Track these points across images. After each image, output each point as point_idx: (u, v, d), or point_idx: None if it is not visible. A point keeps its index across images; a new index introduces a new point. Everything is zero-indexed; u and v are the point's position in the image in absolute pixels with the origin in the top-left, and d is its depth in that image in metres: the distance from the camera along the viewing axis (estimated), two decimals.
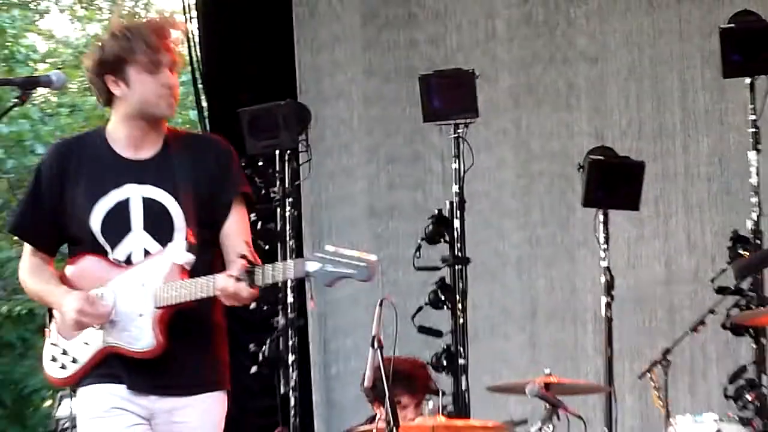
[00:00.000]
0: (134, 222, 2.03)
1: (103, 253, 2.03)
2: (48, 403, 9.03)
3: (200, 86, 6.48)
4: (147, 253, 2.00)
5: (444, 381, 4.41)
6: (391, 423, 2.89)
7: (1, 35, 10.72)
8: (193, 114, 8.79)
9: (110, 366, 2.00)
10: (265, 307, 5.03)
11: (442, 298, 4.59)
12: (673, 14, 5.28)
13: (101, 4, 13.35)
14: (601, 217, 4.53)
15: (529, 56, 5.59)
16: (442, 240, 4.65)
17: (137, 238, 2.01)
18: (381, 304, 2.93)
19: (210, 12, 6.10)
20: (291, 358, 5.01)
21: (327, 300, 5.69)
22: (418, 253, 4.64)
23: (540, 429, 3.41)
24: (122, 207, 2.03)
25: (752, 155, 4.29)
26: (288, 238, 5.12)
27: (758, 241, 4.23)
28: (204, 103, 6.39)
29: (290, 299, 5.06)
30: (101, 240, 2.00)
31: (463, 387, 4.54)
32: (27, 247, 2.18)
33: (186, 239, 2.03)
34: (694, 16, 5.22)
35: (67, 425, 4.78)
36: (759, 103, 4.25)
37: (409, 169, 5.83)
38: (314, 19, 6.19)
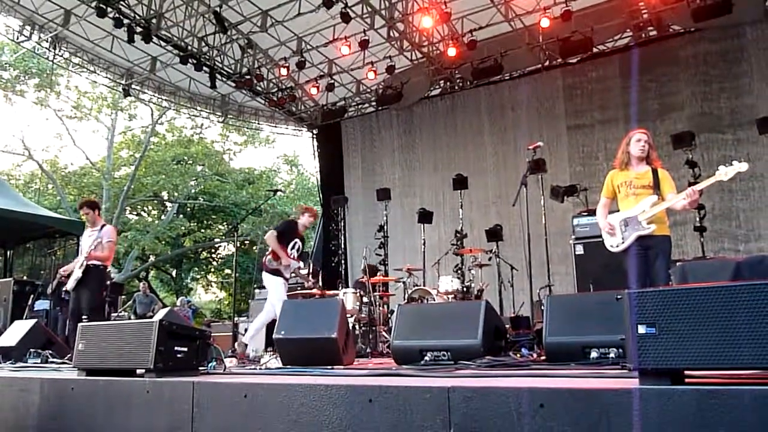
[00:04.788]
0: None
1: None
2: None
3: (319, 188, 16.25)
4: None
5: (382, 268, 13.47)
6: (368, 275, 10.53)
7: (260, 179, 23.34)
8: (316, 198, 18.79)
9: None
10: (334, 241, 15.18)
11: (382, 247, 13.48)
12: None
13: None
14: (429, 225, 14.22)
15: (408, 182, 14.95)
16: (382, 232, 13.81)
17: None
18: (365, 248, 11.30)
19: (322, 157, 16.02)
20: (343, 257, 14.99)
21: (354, 237, 15.27)
22: (376, 235, 13.65)
23: (407, 280, 12.13)
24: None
25: (464, 211, 14.50)
26: (344, 236, 15.00)
27: (460, 234, 13.46)
28: (320, 194, 16.01)
29: (342, 240, 15.11)
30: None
31: (387, 269, 13.42)
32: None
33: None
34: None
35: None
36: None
37: (373, 214, 15.11)
38: (349, 170, 15.64)
